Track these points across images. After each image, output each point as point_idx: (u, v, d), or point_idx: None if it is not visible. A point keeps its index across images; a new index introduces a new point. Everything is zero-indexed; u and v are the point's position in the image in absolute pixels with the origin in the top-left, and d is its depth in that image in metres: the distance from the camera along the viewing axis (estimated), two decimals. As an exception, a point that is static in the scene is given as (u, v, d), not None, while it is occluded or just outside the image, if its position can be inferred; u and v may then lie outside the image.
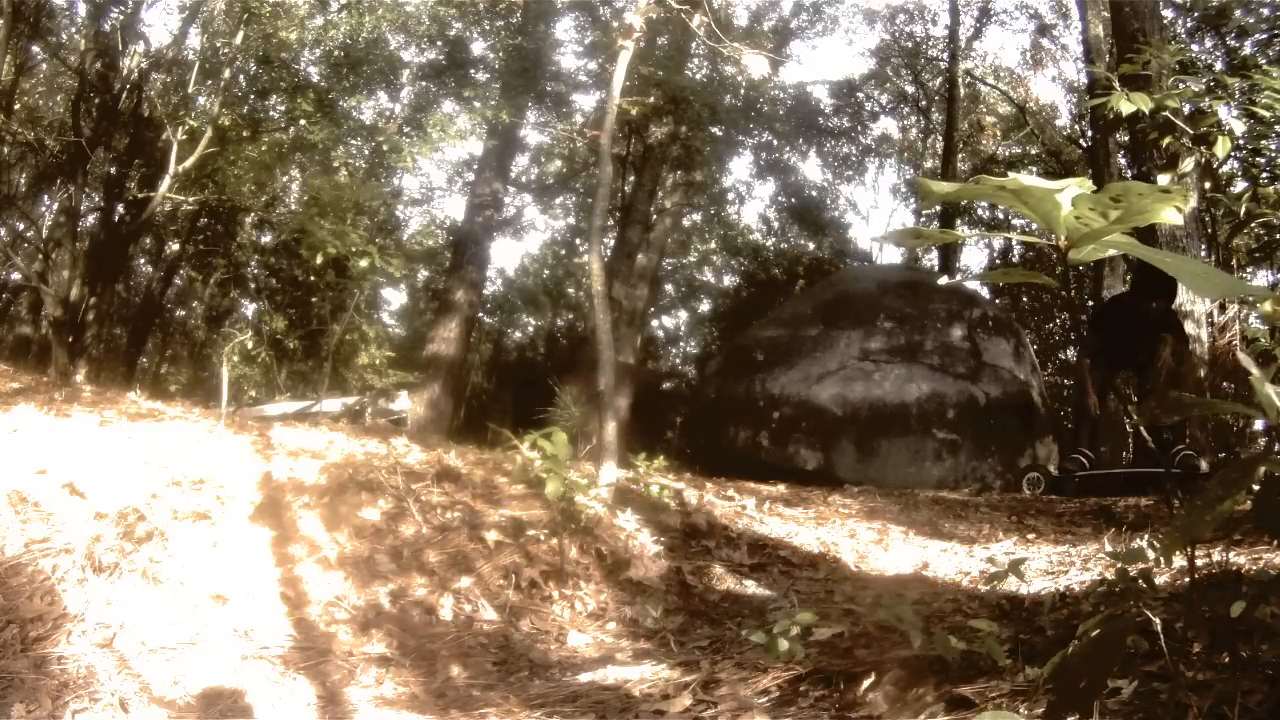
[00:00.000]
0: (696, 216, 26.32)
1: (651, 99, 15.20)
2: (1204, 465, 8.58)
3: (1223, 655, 2.52)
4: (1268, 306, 1.54)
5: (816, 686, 3.38)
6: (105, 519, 4.79)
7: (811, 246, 26.07)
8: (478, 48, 18.53)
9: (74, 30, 17.22)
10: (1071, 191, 1.67)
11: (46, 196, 19.27)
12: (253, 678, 3.91)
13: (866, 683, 3.21)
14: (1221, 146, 7.40)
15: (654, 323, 27.44)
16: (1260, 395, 1.78)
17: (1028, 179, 1.65)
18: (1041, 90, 40.84)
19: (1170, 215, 1.61)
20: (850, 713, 3.08)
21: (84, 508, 4.87)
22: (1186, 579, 4.16)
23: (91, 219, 17.99)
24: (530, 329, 28.74)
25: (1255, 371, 1.80)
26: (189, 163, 14.73)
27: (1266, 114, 7.47)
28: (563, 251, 28.08)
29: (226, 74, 15.88)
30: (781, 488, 8.92)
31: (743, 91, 19.26)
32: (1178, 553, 2.09)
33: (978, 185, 1.69)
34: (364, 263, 13.82)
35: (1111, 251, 1.77)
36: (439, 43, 18.29)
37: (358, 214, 15.63)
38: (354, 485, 5.68)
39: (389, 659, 4.24)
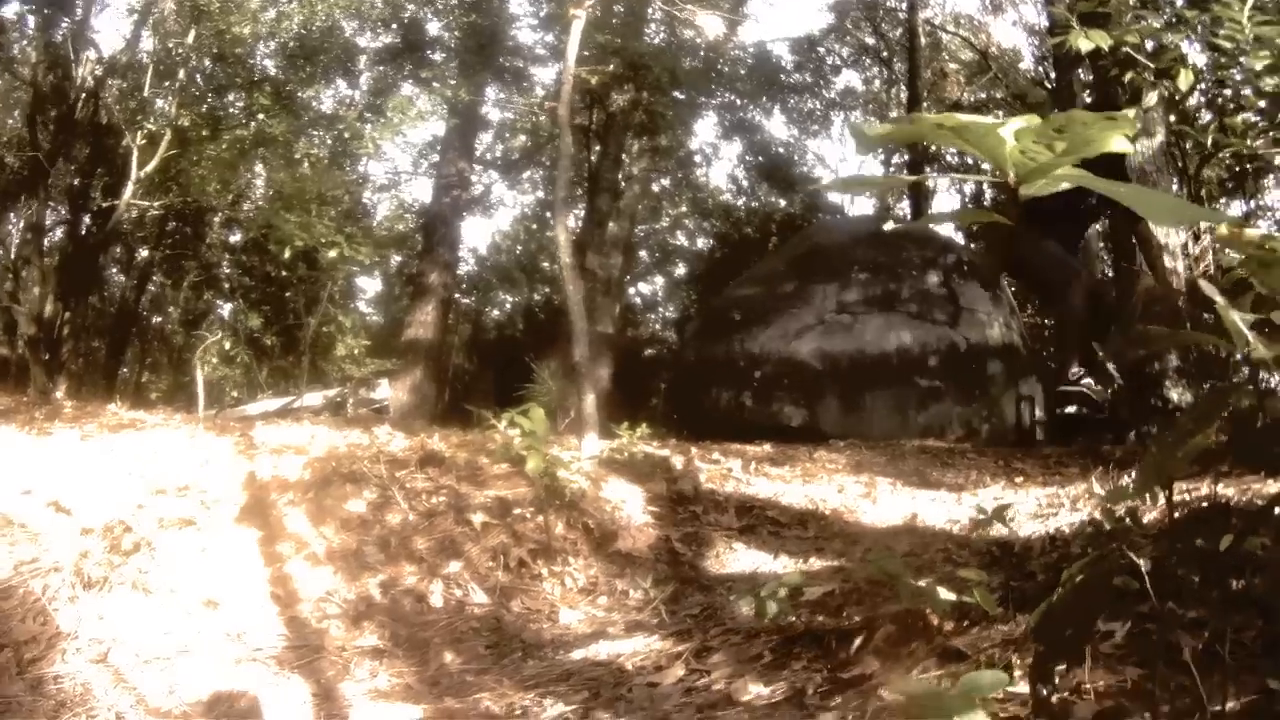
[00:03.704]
0: (666, 181, 26.23)
1: (611, 67, 15.11)
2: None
3: (1214, 591, 2.49)
4: (1223, 229, 1.50)
5: (809, 648, 3.38)
6: (92, 534, 4.77)
7: (783, 204, 25.98)
8: (433, 28, 18.44)
9: (25, 43, 17.08)
10: (1014, 125, 1.61)
11: (13, 214, 19.14)
12: (248, 680, 3.91)
13: (858, 641, 3.20)
14: (1184, 79, 7.37)
15: (631, 290, 27.38)
16: (1226, 322, 1.75)
17: (967, 117, 1.60)
18: (1003, 35, 40.75)
19: (1119, 143, 1.55)
20: (842, 673, 3.08)
21: (70, 524, 4.85)
22: (1175, 514, 4.16)
23: (60, 232, 17.91)
24: (508, 306, 28.60)
25: (1219, 300, 1.77)
26: (150, 167, 14.64)
27: (1228, 45, 7.43)
28: (534, 226, 27.92)
29: (182, 74, 15.75)
30: (767, 447, 8.89)
31: (702, 53, 19.18)
32: (1158, 490, 2.07)
33: (913, 125, 1.65)
34: (332, 253, 13.75)
35: (1065, 185, 1.73)
36: (393, 26, 18.19)
37: (322, 204, 15.53)
38: (338, 478, 5.66)
39: (382, 650, 4.25)
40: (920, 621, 3.15)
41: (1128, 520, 3.55)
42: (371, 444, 6.57)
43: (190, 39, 15.64)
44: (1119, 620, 2.57)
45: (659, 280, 29.93)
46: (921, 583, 3.21)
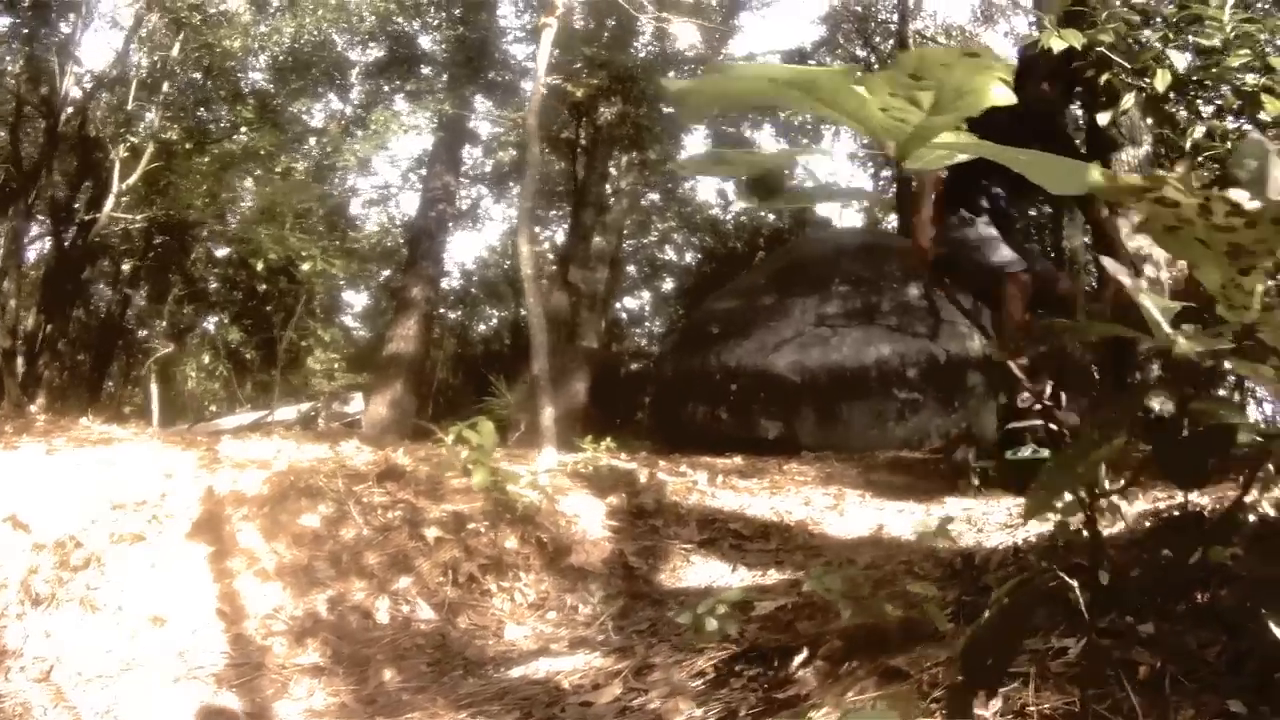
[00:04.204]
0: (655, 196, 26.24)
1: (596, 80, 15.11)
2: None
3: (1177, 604, 2.36)
4: (1096, 175, 1.30)
5: (752, 665, 3.29)
6: (44, 550, 4.69)
7: (771, 218, 25.97)
8: (420, 41, 18.48)
9: (14, 56, 17.07)
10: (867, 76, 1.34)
11: None
12: (185, 699, 3.84)
13: (799, 659, 3.10)
14: (1161, 79, 7.26)
15: (619, 305, 27.38)
16: (1145, 315, 1.59)
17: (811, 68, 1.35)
18: (995, 45, 40.85)
19: (999, 93, 1.31)
20: (778, 692, 2.98)
21: (25, 540, 4.77)
22: (1147, 523, 4.06)
23: (46, 245, 17.91)
24: (494, 321, 28.63)
25: (1126, 281, 1.62)
26: (131, 180, 14.63)
27: (1209, 43, 7.33)
28: (522, 241, 27.96)
29: (166, 87, 15.73)
30: (738, 459, 8.82)
31: (691, 66, 19.18)
32: (1078, 507, 1.94)
33: (733, 80, 1.43)
34: (306, 266, 13.73)
35: (963, 156, 1.55)
36: (381, 38, 18.21)
37: (296, 217, 15.51)
38: (294, 492, 5.57)
39: (322, 668, 4.18)
40: (866, 639, 3.05)
41: (1084, 532, 3.44)
42: (335, 458, 6.48)
43: (174, 52, 15.58)
44: (1074, 636, 2.44)
45: (646, 295, 29.96)
46: (868, 598, 3.11)
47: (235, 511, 5.35)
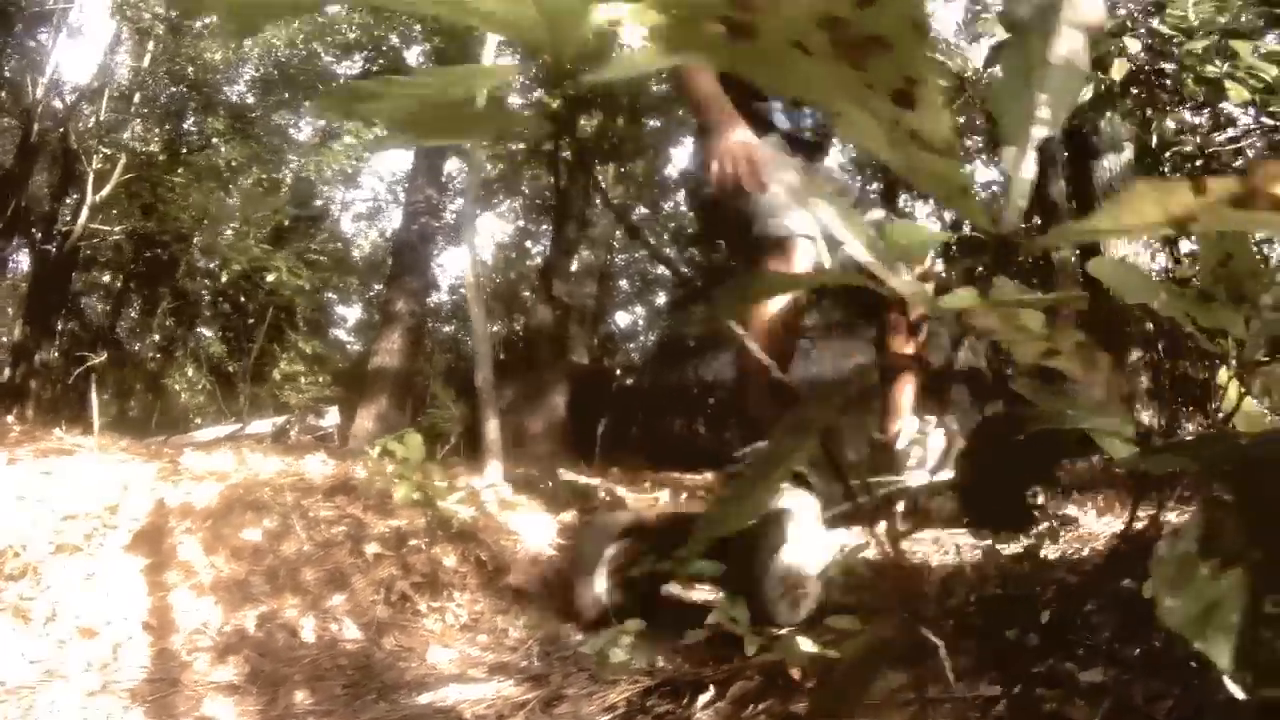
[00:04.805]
0: (644, 210, 26.16)
1: (572, 92, 15.04)
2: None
3: (1130, 648, 2.13)
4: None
5: (664, 700, 3.14)
6: (-17, 560, 4.57)
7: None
8: (401, 54, 18.41)
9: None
10: None
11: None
12: (95, 714, 3.73)
13: (704, 698, 2.94)
14: (1117, 69, 7.10)
15: (611, 319, 27.38)
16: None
17: None
18: (980, 58, 40.82)
19: None
20: (672, 735, 2.82)
21: (-31, 552, 4.67)
22: (1119, 543, 3.90)
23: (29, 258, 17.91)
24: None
25: (810, 200, 1.16)
26: (105, 192, 14.59)
27: (1169, 31, 7.17)
28: (513, 254, 27.94)
29: (137, 98, 15.72)
30: (710, 475, 8.68)
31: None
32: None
33: None
34: (271, 277, 13.69)
35: (668, 61, 1.03)
36: (367, 50, 18.16)
37: (257, 228, 15.48)
38: (240, 506, 5.45)
39: (237, 687, 4.05)
40: (784, 677, 2.89)
41: (1026, 561, 3.30)
42: (293, 471, 6.37)
43: (145, 63, 15.56)
44: (1005, 684, 2.20)
45: (639, 309, 29.96)
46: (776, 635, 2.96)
47: (179, 524, 5.24)
